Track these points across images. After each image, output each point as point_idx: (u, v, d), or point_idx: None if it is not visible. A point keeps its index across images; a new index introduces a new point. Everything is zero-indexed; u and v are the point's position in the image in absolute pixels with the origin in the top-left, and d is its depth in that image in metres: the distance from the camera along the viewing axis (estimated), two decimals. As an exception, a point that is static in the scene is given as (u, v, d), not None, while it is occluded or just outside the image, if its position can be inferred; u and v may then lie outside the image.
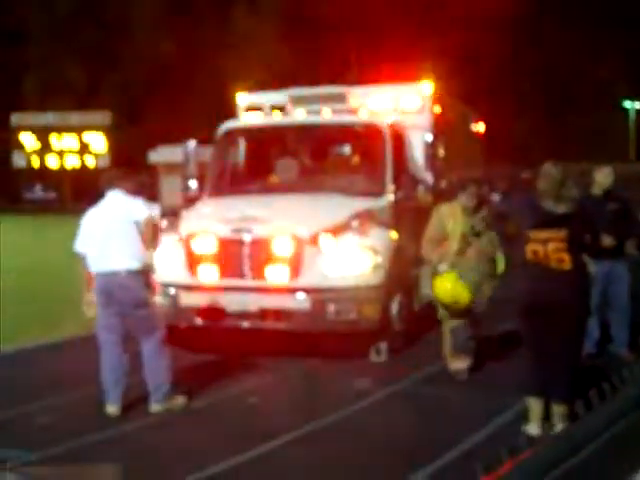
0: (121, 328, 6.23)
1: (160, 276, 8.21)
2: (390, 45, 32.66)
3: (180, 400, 6.30)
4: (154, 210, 6.25)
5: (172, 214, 9.18)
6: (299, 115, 9.77)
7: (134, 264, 6.09)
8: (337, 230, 7.94)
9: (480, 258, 6.97)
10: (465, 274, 6.93)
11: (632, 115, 37.33)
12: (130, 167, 32.27)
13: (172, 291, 8.09)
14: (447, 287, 6.92)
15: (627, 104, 37.10)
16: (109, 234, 6.14)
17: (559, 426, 5.30)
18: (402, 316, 8.26)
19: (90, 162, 38.14)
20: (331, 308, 7.68)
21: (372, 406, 6.45)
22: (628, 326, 7.83)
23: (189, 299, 8.07)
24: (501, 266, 7.02)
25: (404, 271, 8.52)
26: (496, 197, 20.80)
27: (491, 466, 3.86)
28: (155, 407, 6.19)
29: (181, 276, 8.12)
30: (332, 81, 12.00)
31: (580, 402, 5.15)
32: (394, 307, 8.14)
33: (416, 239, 9.21)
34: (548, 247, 5.21)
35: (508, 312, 5.90)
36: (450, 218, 7.10)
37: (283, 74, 27.85)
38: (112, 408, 6.16)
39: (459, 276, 6.89)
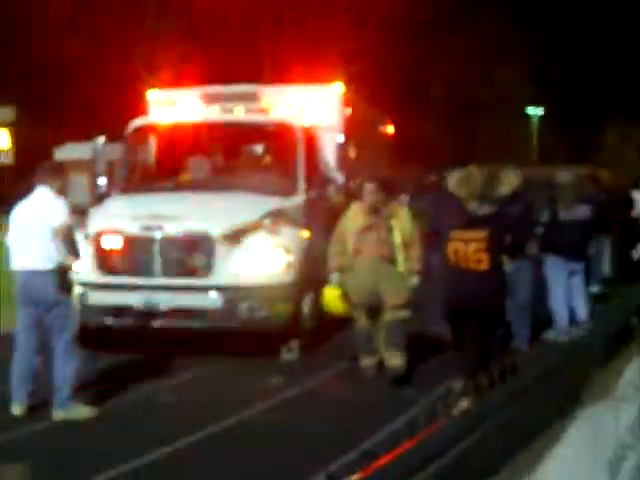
0: (37, 329, 6.10)
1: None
2: (302, 47, 32.80)
3: (85, 411, 6.06)
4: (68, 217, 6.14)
5: (80, 212, 9.01)
6: (211, 113, 9.73)
7: (47, 264, 5.96)
8: (249, 229, 7.96)
9: (376, 258, 6.91)
10: (360, 276, 6.93)
11: (535, 121, 38.57)
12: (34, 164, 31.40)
13: (80, 290, 7.94)
14: (333, 298, 7.12)
15: (530, 110, 38.31)
16: (28, 231, 6.03)
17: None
18: (313, 314, 8.33)
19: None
20: (243, 306, 7.69)
21: (281, 404, 6.46)
22: (529, 323, 8.13)
23: (98, 298, 7.93)
24: (410, 265, 6.96)
25: (315, 270, 8.59)
26: (405, 198, 21.28)
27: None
28: (57, 414, 5.98)
29: (89, 274, 7.97)
30: (245, 81, 11.99)
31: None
32: (305, 305, 8.20)
33: (327, 238, 9.34)
34: (469, 247, 5.37)
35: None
36: (352, 218, 7.15)
37: (195, 72, 27.59)
38: (17, 408, 6.01)
39: (352, 281, 6.94)
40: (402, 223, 7.00)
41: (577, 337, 8.14)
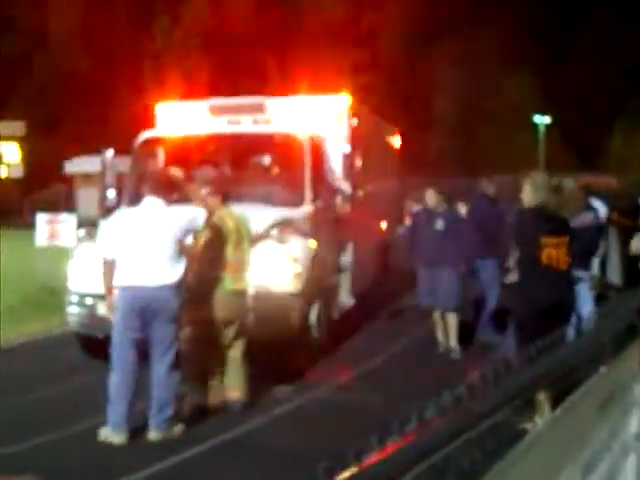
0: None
1: (77, 286, 8.16)
2: (309, 58, 32.95)
3: (178, 429, 5.87)
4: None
5: (89, 224, 9.09)
6: (219, 125, 9.81)
7: (173, 278, 5.77)
8: (256, 239, 8.00)
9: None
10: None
11: (541, 130, 38.63)
12: (44, 178, 31.57)
13: (89, 301, 8.01)
14: None
15: (537, 119, 38.39)
16: (149, 244, 5.79)
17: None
18: (321, 324, 8.38)
19: (2, 173, 37.18)
20: (251, 316, 7.74)
21: (289, 414, 6.50)
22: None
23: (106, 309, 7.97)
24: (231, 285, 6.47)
25: (323, 280, 8.65)
26: (414, 207, 21.38)
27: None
28: (155, 435, 5.74)
29: (98, 286, 8.02)
30: (252, 93, 12.09)
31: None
32: (313, 315, 8.25)
33: (335, 248, 9.40)
34: (560, 251, 5.88)
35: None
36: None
37: (203, 86, 27.75)
38: (121, 436, 5.73)
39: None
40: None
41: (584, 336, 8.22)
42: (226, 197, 6.77)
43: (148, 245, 5.78)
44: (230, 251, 6.50)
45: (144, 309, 5.74)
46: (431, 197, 8.72)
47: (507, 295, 7.23)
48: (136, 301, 5.76)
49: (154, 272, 5.74)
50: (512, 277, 6.36)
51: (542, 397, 3.60)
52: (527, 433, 1.96)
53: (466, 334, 8.65)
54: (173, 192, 6.16)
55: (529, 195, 6.10)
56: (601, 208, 9.33)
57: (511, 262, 6.44)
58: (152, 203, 5.98)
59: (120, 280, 5.86)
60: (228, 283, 6.49)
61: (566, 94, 37.89)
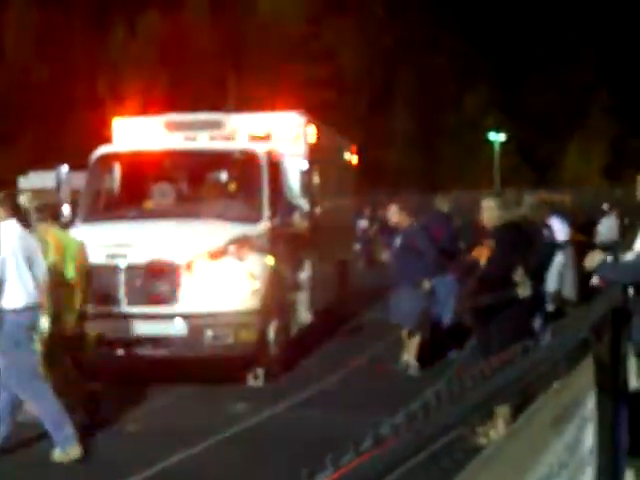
0: None
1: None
2: (266, 75, 33.01)
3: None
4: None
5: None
6: (175, 141, 9.76)
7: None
8: (214, 255, 7.97)
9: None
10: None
11: (497, 147, 39.21)
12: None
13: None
14: None
15: (492, 136, 38.98)
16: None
17: None
18: (279, 341, 8.35)
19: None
20: (208, 333, 7.69)
21: (243, 432, 6.43)
22: None
23: (62, 327, 7.86)
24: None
25: (281, 296, 8.63)
26: (363, 223, 21.60)
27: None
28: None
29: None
30: (209, 108, 12.06)
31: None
32: (271, 332, 8.21)
33: (293, 265, 9.38)
34: None
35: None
36: None
37: (161, 99, 27.61)
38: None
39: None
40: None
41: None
42: (55, 218, 6.83)
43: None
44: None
45: None
46: (394, 213, 8.68)
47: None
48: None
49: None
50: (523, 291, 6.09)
51: (498, 413, 3.61)
52: (482, 449, 1.96)
53: (426, 351, 8.63)
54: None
55: (494, 212, 6.06)
56: (561, 225, 9.46)
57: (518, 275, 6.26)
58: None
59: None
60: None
61: (522, 111, 38.52)
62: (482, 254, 6.10)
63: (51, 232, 6.52)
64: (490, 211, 6.10)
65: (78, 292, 6.55)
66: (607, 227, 15.34)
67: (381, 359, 8.94)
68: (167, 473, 5.43)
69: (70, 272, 6.49)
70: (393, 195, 14.17)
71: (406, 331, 8.51)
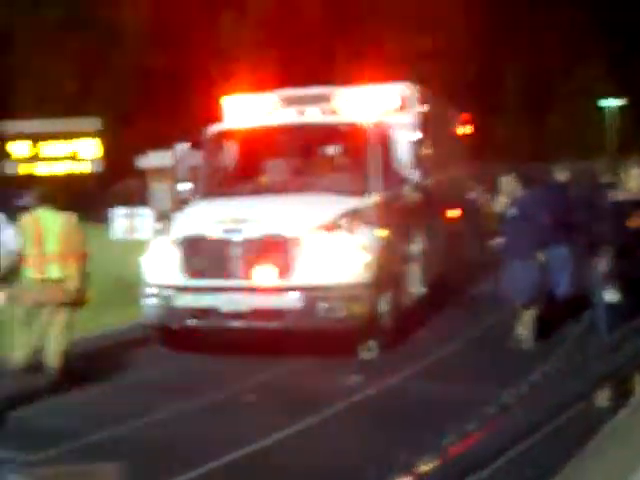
0: None
1: (153, 278, 8.35)
2: (375, 46, 32.81)
3: None
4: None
5: (163, 217, 9.27)
6: (286, 116, 9.88)
7: None
8: (327, 229, 8.05)
9: None
10: None
11: (608, 114, 37.74)
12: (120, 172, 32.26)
13: (165, 292, 8.19)
14: None
15: (603, 103, 37.57)
16: None
17: None
18: (392, 313, 8.38)
19: (80, 168, 38.17)
20: (322, 306, 7.79)
21: (362, 402, 6.51)
22: None
23: (182, 300, 8.15)
24: None
25: (393, 268, 8.64)
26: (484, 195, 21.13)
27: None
28: None
29: (174, 278, 8.22)
30: (319, 83, 12.11)
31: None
32: (383, 304, 8.25)
33: (404, 237, 9.37)
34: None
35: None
36: None
37: (270, 77, 27.93)
38: None
39: None
40: None
41: None
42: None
43: None
44: (29, 246, 6.89)
45: None
46: (509, 183, 8.51)
47: None
48: None
49: None
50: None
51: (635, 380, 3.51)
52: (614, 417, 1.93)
53: (541, 325, 8.44)
54: None
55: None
56: None
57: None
58: None
59: None
60: (30, 273, 6.88)
61: (636, 79, 36.86)
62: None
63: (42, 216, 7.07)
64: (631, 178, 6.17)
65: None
66: None
67: (495, 331, 8.83)
68: (284, 444, 5.54)
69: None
70: (505, 164, 13.84)
71: (520, 304, 8.36)
